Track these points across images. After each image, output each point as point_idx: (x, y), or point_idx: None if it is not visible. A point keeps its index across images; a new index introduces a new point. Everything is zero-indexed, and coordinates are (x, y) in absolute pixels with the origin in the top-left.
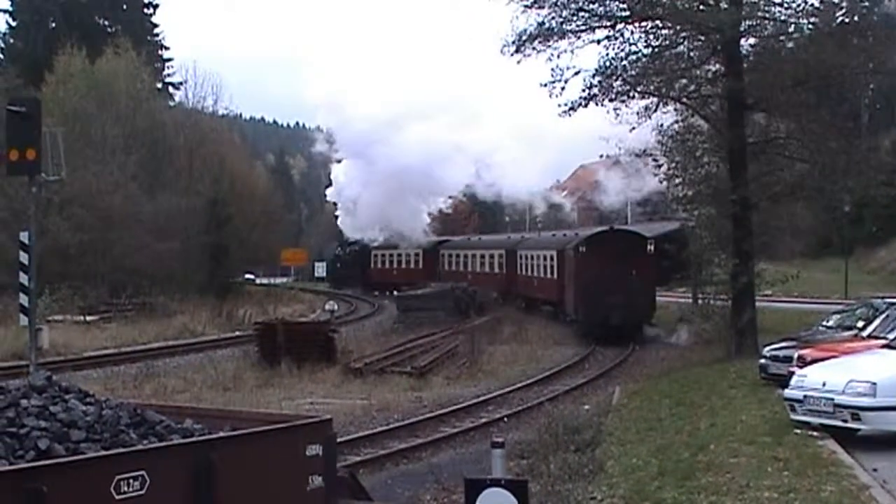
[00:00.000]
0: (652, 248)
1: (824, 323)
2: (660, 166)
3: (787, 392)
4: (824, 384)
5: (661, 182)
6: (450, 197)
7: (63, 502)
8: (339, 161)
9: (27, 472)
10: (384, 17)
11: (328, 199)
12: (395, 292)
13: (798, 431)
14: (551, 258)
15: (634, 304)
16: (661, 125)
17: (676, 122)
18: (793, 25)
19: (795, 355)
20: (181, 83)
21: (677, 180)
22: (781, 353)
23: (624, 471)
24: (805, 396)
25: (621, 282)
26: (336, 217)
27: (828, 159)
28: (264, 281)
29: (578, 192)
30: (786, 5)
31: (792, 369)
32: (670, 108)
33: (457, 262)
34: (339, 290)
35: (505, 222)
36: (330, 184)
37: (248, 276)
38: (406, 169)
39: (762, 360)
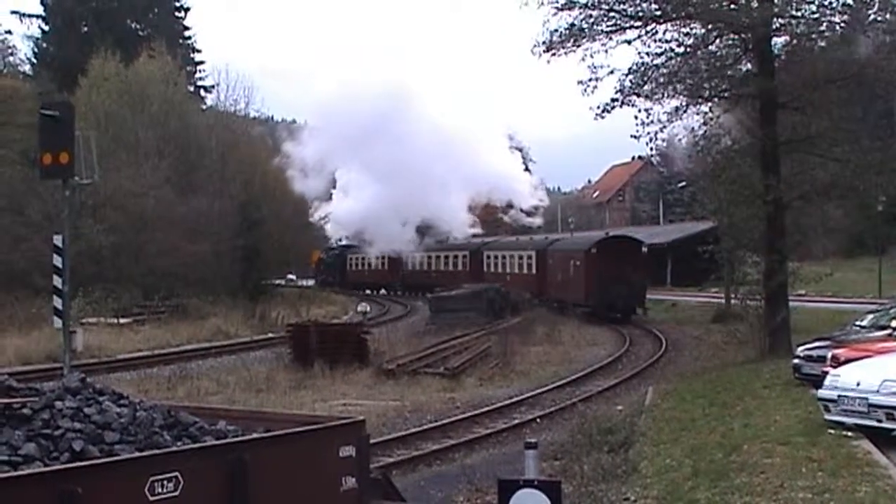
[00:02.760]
0: (645, 249)
1: (858, 322)
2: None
3: (821, 392)
4: (858, 384)
5: (692, 183)
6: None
7: (97, 503)
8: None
9: (62, 473)
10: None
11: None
12: (366, 291)
13: (832, 431)
14: (529, 257)
15: (631, 292)
16: (693, 128)
17: (707, 122)
18: (825, 23)
19: (829, 355)
20: (213, 86)
21: (708, 180)
22: (815, 353)
23: (657, 471)
24: (839, 396)
25: (622, 276)
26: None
27: (861, 158)
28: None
29: (610, 192)
30: (817, 2)
31: (826, 369)
32: (701, 108)
33: (421, 264)
34: (322, 288)
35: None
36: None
37: (290, 276)
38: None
39: (796, 360)
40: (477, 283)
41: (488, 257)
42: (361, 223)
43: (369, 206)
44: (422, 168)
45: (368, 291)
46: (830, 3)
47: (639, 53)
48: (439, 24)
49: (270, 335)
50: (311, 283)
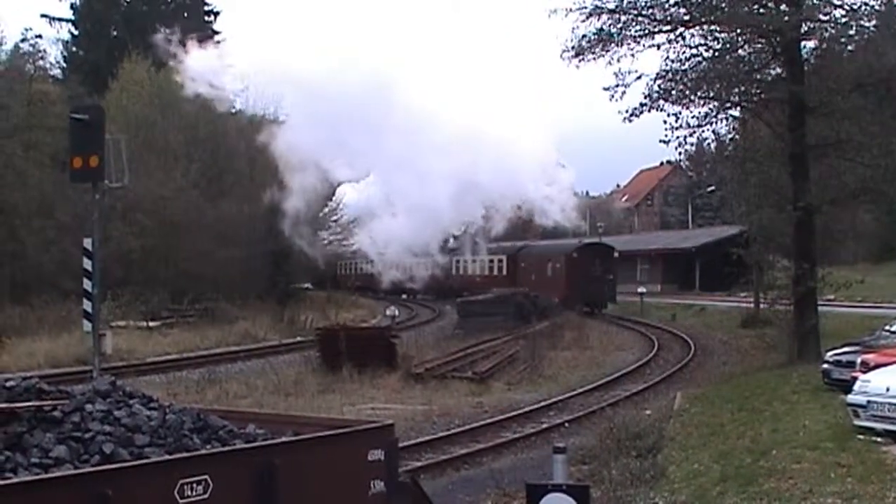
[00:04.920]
0: (617, 254)
1: (888, 328)
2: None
3: (851, 397)
4: (888, 389)
5: (720, 187)
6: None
7: None
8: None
9: (92, 476)
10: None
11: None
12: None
13: (861, 437)
14: (500, 261)
15: (603, 289)
16: (722, 132)
17: (734, 126)
18: (854, 27)
19: (858, 360)
20: (242, 90)
21: (737, 185)
22: (844, 358)
23: (686, 476)
24: (868, 402)
25: (596, 276)
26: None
27: (890, 163)
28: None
29: (639, 197)
30: (846, 7)
31: (855, 374)
32: (730, 112)
33: (398, 268)
34: (316, 290)
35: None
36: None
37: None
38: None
39: (825, 366)
40: (447, 285)
41: (456, 262)
42: (402, 250)
43: (405, 231)
44: (456, 181)
45: (354, 296)
46: (860, 7)
47: (668, 58)
48: (444, 26)
49: (299, 339)
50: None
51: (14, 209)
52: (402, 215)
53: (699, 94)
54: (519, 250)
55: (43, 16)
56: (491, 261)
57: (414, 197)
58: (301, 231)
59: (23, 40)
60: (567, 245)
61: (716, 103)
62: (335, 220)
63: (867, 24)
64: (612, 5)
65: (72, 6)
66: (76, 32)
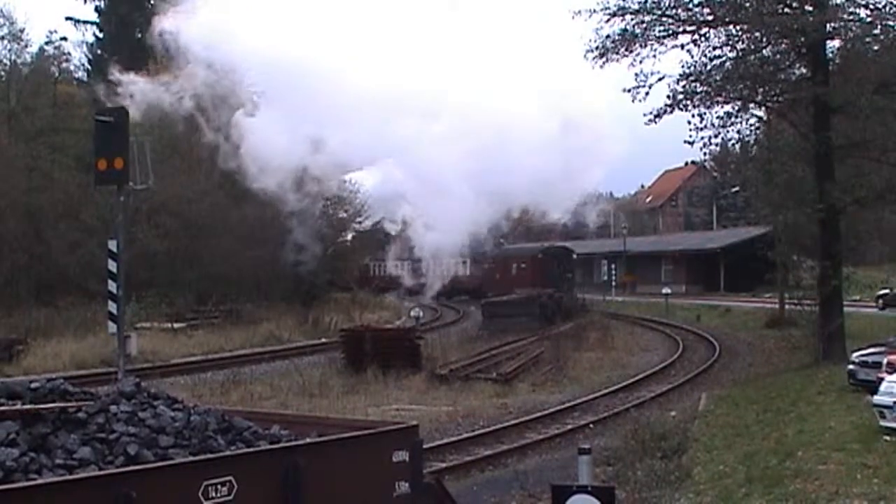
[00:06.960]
0: (575, 256)
1: None
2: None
3: (877, 398)
4: None
5: (745, 188)
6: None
7: None
8: None
9: (116, 477)
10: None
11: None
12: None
13: (888, 438)
14: (464, 262)
15: (564, 286)
16: (746, 133)
17: (758, 127)
18: (878, 27)
19: (885, 361)
20: (264, 91)
21: (761, 185)
22: (870, 359)
23: (711, 478)
24: (895, 402)
25: (558, 274)
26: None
27: None
28: None
29: (663, 197)
30: (870, 7)
31: (881, 375)
32: (754, 112)
33: (380, 269)
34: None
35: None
36: None
37: None
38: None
39: (850, 366)
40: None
41: (424, 262)
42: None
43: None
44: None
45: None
46: (885, 6)
47: (691, 56)
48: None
49: (323, 340)
50: None
51: (39, 211)
52: (432, 228)
53: (723, 94)
54: (482, 253)
55: (68, 18)
56: (456, 262)
57: (432, 206)
58: (311, 267)
59: (48, 42)
60: (532, 248)
61: (740, 103)
62: (360, 222)
63: (892, 24)
64: (635, 6)
65: (96, 9)
66: (100, 35)
